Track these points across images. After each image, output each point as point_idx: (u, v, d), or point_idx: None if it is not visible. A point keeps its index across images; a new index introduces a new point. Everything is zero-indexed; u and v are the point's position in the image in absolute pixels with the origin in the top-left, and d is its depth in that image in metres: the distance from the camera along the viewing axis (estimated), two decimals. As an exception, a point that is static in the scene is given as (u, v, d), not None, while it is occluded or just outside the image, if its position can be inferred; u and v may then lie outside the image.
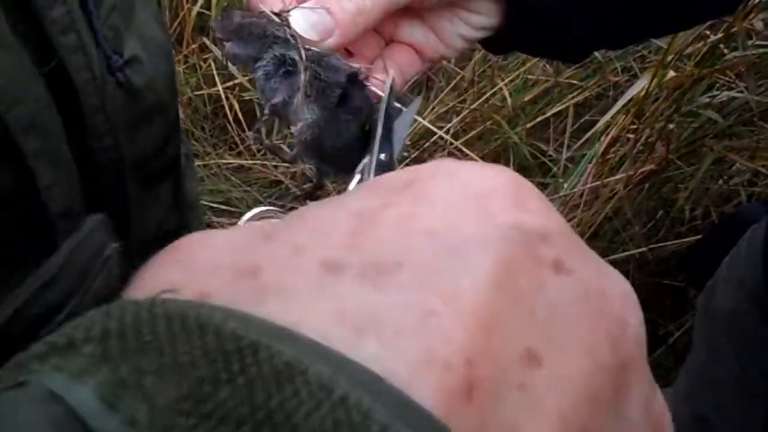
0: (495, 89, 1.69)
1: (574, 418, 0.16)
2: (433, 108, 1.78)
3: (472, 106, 1.72)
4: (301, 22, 0.41)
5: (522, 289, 0.16)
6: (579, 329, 0.17)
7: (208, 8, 1.70)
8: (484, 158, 1.83)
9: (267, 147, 0.46)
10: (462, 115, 1.73)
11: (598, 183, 1.40)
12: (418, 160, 1.78)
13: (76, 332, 0.14)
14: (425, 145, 1.75)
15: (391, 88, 0.41)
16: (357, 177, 0.37)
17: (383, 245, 0.17)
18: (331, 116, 0.40)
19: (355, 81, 0.41)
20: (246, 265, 0.17)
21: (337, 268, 0.16)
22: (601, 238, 1.50)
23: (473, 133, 1.77)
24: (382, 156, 0.38)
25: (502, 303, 0.16)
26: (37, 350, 0.14)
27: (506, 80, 1.68)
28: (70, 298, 0.20)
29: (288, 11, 0.41)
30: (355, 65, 0.42)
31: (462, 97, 1.76)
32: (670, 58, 1.28)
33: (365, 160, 0.38)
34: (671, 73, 1.31)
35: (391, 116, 0.40)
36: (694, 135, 1.43)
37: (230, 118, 1.78)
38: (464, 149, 1.67)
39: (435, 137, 1.74)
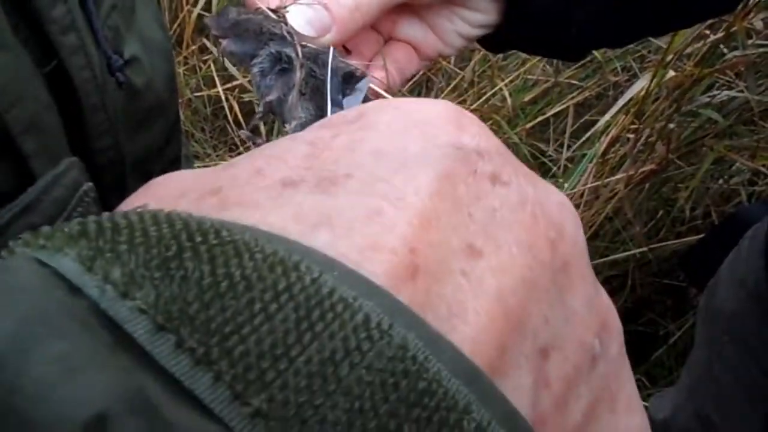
0: (495, 89, 1.69)
1: (513, 299, 0.17)
2: (433, 108, 1.78)
3: (472, 107, 1.72)
4: (298, 18, 0.40)
5: (461, 196, 0.18)
6: (517, 230, 0.18)
7: (208, 10, 1.70)
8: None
9: (260, 145, 0.45)
10: (462, 116, 1.73)
11: (598, 183, 1.40)
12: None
13: (55, 226, 0.16)
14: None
15: (333, 65, 0.40)
16: None
17: (335, 163, 0.19)
18: (324, 113, 0.40)
19: (350, 80, 0.40)
20: (209, 187, 0.19)
21: (293, 183, 0.18)
22: (602, 238, 1.50)
23: (473, 133, 1.77)
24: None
25: (442, 206, 0.18)
26: (21, 237, 0.16)
27: (506, 80, 1.68)
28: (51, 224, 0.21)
29: (285, 8, 0.40)
30: (353, 63, 0.42)
31: (462, 98, 1.76)
32: (669, 57, 1.28)
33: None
34: (671, 73, 1.31)
35: (338, 95, 0.40)
36: (695, 135, 1.43)
37: (230, 119, 1.78)
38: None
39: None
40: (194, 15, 1.70)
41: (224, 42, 0.42)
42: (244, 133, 0.45)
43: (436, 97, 1.82)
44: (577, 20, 0.47)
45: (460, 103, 1.76)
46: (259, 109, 0.41)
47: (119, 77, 0.38)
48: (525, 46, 0.53)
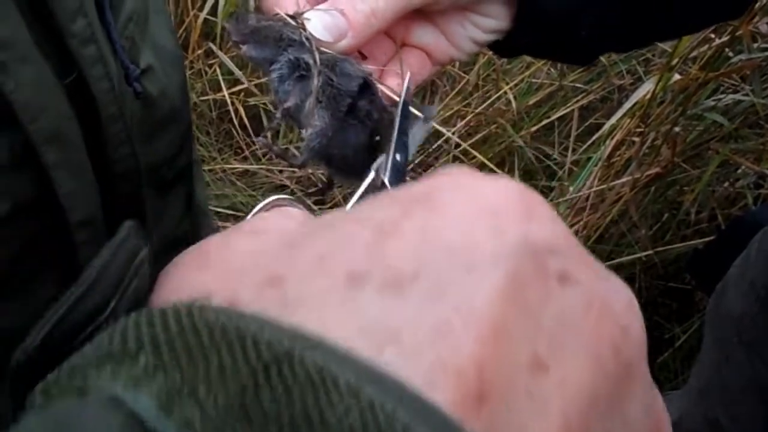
0: (499, 93, 1.70)
1: (578, 421, 0.17)
2: (439, 112, 1.79)
3: (477, 110, 1.72)
4: (315, 24, 0.41)
5: (530, 301, 0.17)
6: (583, 337, 0.18)
7: (214, 14, 1.71)
8: (489, 161, 1.83)
9: (276, 152, 0.46)
10: (467, 119, 1.74)
11: (603, 186, 1.40)
12: (424, 164, 1.78)
13: (126, 340, 0.15)
14: (430, 149, 1.75)
15: (408, 89, 0.42)
16: (372, 174, 0.38)
17: (402, 257, 0.18)
18: (339, 125, 0.41)
19: (366, 89, 0.41)
20: (271, 274, 0.18)
21: (358, 280, 0.17)
22: (607, 241, 1.50)
23: (478, 136, 1.77)
24: (398, 157, 0.38)
25: (511, 315, 0.17)
26: (90, 357, 0.15)
27: (511, 84, 1.68)
28: (107, 304, 0.21)
29: (302, 13, 0.41)
30: (369, 68, 0.43)
31: (467, 101, 1.76)
32: (675, 61, 1.29)
33: (380, 159, 0.39)
34: (676, 77, 1.32)
35: (407, 119, 0.40)
36: (700, 138, 1.43)
37: (236, 123, 1.78)
38: (471, 150, 1.67)
39: (440, 140, 1.74)
40: (200, 20, 1.70)
41: (244, 47, 0.42)
42: (260, 140, 0.46)
43: (441, 101, 1.83)
44: (586, 25, 0.47)
45: (464, 106, 1.76)
46: (277, 114, 0.41)
47: (136, 87, 0.39)
48: (535, 50, 0.54)
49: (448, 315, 0.16)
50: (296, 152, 0.44)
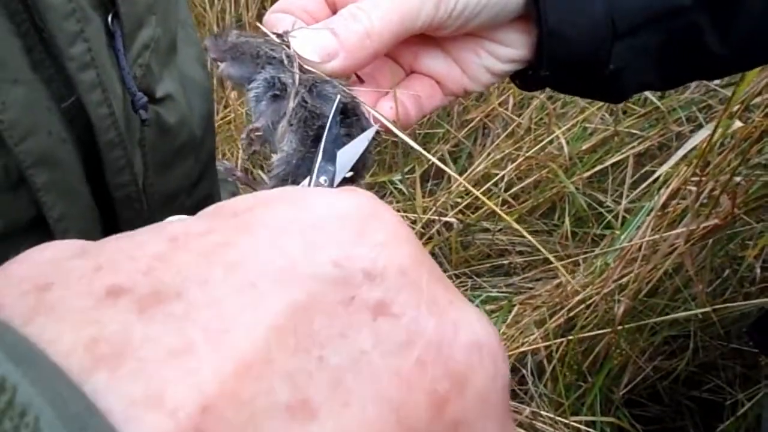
0: (552, 137, 1.66)
1: None
2: (489, 154, 1.76)
3: (528, 153, 1.68)
4: (302, 42, 0.39)
5: (315, 333, 0.15)
6: (385, 383, 0.15)
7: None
8: (538, 207, 1.78)
9: (241, 179, 0.43)
10: (517, 162, 1.70)
11: (656, 236, 1.33)
12: (472, 206, 1.75)
13: None
14: (480, 191, 1.72)
15: (336, 108, 0.38)
16: (305, 183, 0.36)
17: (177, 273, 0.16)
18: (306, 152, 0.38)
19: (345, 113, 0.38)
20: (43, 280, 0.17)
21: (117, 294, 0.16)
22: (661, 296, 1.42)
23: (529, 180, 1.73)
24: (323, 179, 0.36)
25: (279, 348, 0.14)
26: None
27: (563, 128, 1.64)
28: None
29: (290, 32, 0.39)
30: (352, 92, 0.39)
31: (518, 144, 1.73)
32: (736, 108, 1.22)
33: (304, 182, 0.36)
34: (738, 124, 1.24)
35: (337, 139, 0.37)
36: (764, 189, 1.34)
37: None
38: (521, 194, 1.63)
39: (490, 183, 1.71)
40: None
41: (222, 65, 0.41)
42: (223, 165, 0.44)
43: (492, 143, 1.80)
44: (617, 56, 0.42)
45: (516, 149, 1.73)
46: (242, 136, 0.39)
47: (141, 114, 0.39)
48: (558, 84, 0.48)
49: (194, 339, 0.15)
50: (263, 176, 0.42)
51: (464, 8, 0.40)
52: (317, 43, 0.38)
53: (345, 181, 0.38)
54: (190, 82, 0.44)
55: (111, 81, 0.37)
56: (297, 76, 0.38)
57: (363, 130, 0.39)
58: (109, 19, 0.37)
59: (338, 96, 0.38)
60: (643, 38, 0.42)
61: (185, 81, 0.43)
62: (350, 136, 0.38)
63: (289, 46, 0.38)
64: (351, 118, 0.39)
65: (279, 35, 0.39)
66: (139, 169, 0.39)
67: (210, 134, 0.47)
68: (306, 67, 0.38)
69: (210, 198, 0.48)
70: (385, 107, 0.42)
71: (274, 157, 0.38)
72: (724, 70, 0.49)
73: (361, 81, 0.43)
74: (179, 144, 0.42)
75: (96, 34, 0.35)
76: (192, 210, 0.48)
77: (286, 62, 0.38)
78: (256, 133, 0.39)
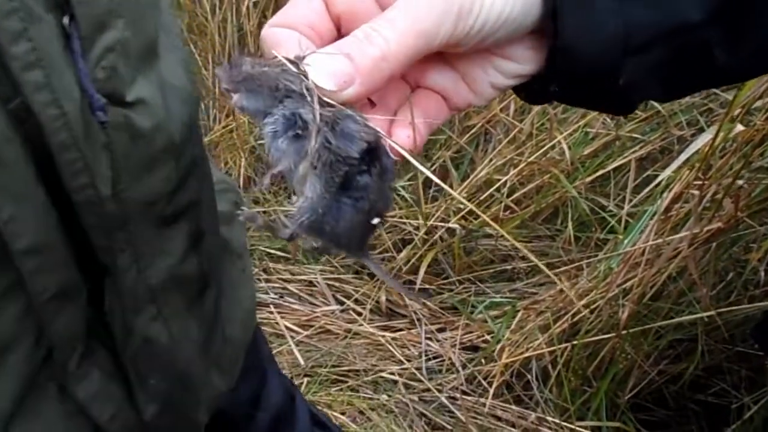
0: (554, 142, 1.66)
1: None
2: (491, 160, 1.77)
3: (530, 159, 1.69)
4: (318, 70, 0.37)
5: None
6: None
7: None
8: (541, 212, 1.78)
9: (261, 226, 0.42)
10: (519, 168, 1.70)
11: (660, 240, 1.33)
12: (473, 213, 1.75)
13: None
14: (481, 197, 1.73)
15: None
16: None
17: None
18: (331, 200, 0.37)
19: (370, 154, 0.37)
20: None
21: None
22: (665, 299, 1.41)
23: (531, 186, 1.73)
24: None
25: None
26: None
27: (565, 133, 1.65)
28: None
29: (304, 57, 0.37)
30: (375, 125, 0.38)
31: (520, 150, 1.74)
32: (737, 111, 1.22)
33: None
34: (739, 127, 1.25)
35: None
36: (767, 192, 1.34)
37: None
38: (523, 199, 1.63)
39: (492, 189, 1.72)
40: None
41: (235, 97, 0.39)
42: (243, 213, 0.43)
43: (494, 149, 1.81)
44: (628, 71, 0.42)
45: (518, 155, 1.73)
46: (264, 180, 0.38)
47: (99, 116, 0.37)
48: (566, 97, 0.47)
49: None
50: (285, 221, 0.39)
51: (483, 26, 0.38)
52: (332, 69, 0.37)
53: (372, 226, 0.38)
54: (170, 87, 0.42)
55: (64, 82, 0.36)
56: (318, 113, 0.36)
57: (385, 169, 0.38)
58: (66, 20, 0.36)
59: (363, 143, 0.37)
60: (654, 54, 0.41)
61: (166, 86, 0.42)
62: (371, 175, 0.37)
63: (307, 77, 0.37)
64: (374, 161, 0.38)
65: (293, 62, 0.37)
66: (105, 174, 0.38)
67: (192, 140, 0.45)
68: (324, 98, 0.37)
69: (195, 205, 0.47)
70: (401, 136, 0.41)
71: (296, 201, 0.37)
72: (728, 80, 0.49)
73: (372, 104, 0.42)
74: (156, 150, 0.41)
75: (44, 35, 0.35)
76: (174, 216, 0.45)
77: (306, 95, 0.36)
78: (279, 176, 0.38)
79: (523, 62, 0.43)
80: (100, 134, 0.38)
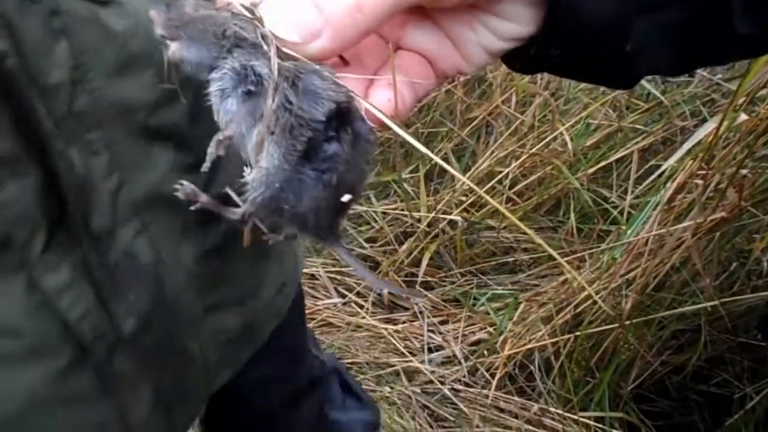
0: (555, 133, 1.66)
1: None
2: (493, 152, 1.76)
3: (532, 151, 1.69)
4: (278, 17, 0.31)
5: None
6: None
7: None
8: (543, 204, 1.78)
9: (206, 205, 0.35)
10: (521, 159, 1.70)
11: (663, 230, 1.32)
12: (476, 204, 1.75)
13: None
14: (483, 189, 1.72)
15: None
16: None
17: None
18: (292, 170, 0.30)
19: (340, 118, 0.30)
20: None
21: None
22: (668, 289, 1.41)
23: (533, 177, 1.73)
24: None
25: None
26: None
27: (567, 125, 1.64)
28: None
29: (260, 2, 0.31)
30: (342, 80, 0.30)
31: (521, 142, 1.73)
32: (741, 101, 1.22)
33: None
34: (743, 116, 1.24)
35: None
36: (771, 181, 1.34)
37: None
38: (525, 191, 1.63)
39: (494, 181, 1.71)
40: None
41: (173, 45, 0.32)
42: (185, 188, 0.36)
43: (496, 141, 1.80)
44: (638, 33, 0.36)
45: (520, 147, 1.73)
46: (211, 148, 0.30)
47: None
48: (564, 67, 0.41)
49: None
50: (236, 198, 0.32)
51: None
52: (297, 18, 0.31)
53: (343, 204, 0.32)
54: None
55: None
56: (276, 66, 0.29)
57: (358, 136, 0.31)
58: None
59: (332, 103, 0.30)
60: (669, 14, 0.38)
61: None
62: (340, 142, 0.31)
63: (263, 23, 0.30)
64: (345, 126, 0.31)
65: (248, 8, 0.31)
66: (57, 57, 0.36)
67: None
68: (284, 50, 0.30)
69: (177, 126, 0.44)
70: (381, 98, 0.34)
71: (249, 174, 0.30)
72: (741, 52, 0.46)
73: (345, 63, 0.35)
74: (130, 53, 0.40)
75: None
76: (157, 133, 0.43)
77: (261, 43, 0.30)
78: (227, 143, 0.31)
79: (519, 22, 0.37)
80: (45, 17, 0.36)
